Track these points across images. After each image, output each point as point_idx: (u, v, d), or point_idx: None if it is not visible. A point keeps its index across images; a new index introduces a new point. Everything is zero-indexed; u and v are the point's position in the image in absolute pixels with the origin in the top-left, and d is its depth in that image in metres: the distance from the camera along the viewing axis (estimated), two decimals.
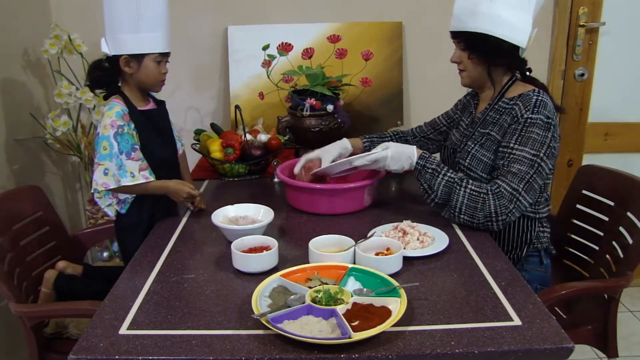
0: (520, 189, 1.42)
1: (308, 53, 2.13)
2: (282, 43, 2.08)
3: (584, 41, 2.46)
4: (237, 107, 2.03)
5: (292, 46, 2.09)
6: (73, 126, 2.22)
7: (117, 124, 1.51)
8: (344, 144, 1.78)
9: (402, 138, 1.91)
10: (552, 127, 1.44)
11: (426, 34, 2.43)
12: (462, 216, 1.47)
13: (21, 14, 2.16)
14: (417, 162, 1.51)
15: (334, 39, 2.12)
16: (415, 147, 1.54)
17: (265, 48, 2.07)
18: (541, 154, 1.43)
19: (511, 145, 1.45)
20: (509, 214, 1.43)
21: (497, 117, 1.54)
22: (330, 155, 1.70)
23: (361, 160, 1.54)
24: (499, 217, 1.43)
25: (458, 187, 1.46)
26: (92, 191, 1.57)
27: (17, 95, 2.14)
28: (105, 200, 1.61)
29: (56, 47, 2.12)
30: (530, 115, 1.44)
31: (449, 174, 1.48)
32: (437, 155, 1.53)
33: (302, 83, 2.14)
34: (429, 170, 1.49)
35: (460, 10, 1.50)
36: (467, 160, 1.56)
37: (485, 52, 1.51)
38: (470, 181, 1.47)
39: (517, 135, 1.45)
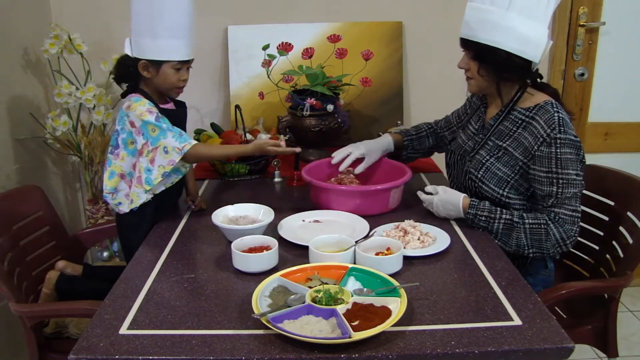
0: (578, 209, 1.43)
1: (308, 53, 2.13)
2: (282, 43, 2.09)
3: (584, 41, 2.46)
4: (237, 107, 2.03)
5: (292, 46, 2.09)
6: (73, 126, 2.22)
7: (154, 111, 1.50)
8: (389, 145, 1.84)
9: (435, 132, 1.91)
10: (580, 143, 1.43)
11: (426, 34, 2.43)
12: (530, 250, 1.45)
13: (21, 14, 2.16)
14: (467, 212, 1.49)
15: (334, 38, 2.12)
16: (462, 195, 1.52)
17: (265, 48, 2.07)
18: (579, 171, 1.43)
19: (553, 169, 1.41)
20: (575, 234, 1.43)
21: (514, 129, 1.50)
22: (373, 156, 1.78)
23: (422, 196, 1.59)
24: (567, 240, 1.42)
25: (517, 227, 1.44)
26: (160, 175, 1.50)
27: (17, 95, 2.14)
28: (137, 199, 1.56)
29: (56, 47, 2.12)
30: (558, 136, 1.40)
31: (504, 216, 1.45)
32: (487, 202, 1.50)
33: (302, 83, 2.14)
34: (483, 218, 1.47)
35: (472, 18, 1.44)
36: (481, 172, 1.53)
37: (494, 65, 1.46)
38: (525, 215, 1.44)
39: (554, 159, 1.41)
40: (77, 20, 2.30)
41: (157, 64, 1.52)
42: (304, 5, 2.40)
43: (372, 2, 2.41)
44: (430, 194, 1.57)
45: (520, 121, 1.50)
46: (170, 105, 1.64)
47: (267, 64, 2.11)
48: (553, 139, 1.41)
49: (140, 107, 1.50)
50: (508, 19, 1.39)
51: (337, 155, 1.77)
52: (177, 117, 1.64)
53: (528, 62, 1.45)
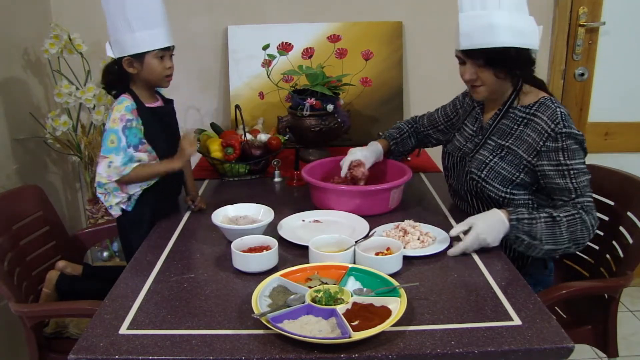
0: (592, 195, 1.43)
1: (308, 53, 2.13)
2: (282, 43, 2.09)
3: (584, 41, 2.46)
4: (237, 106, 2.03)
5: (292, 46, 2.09)
6: (73, 126, 2.22)
7: (126, 118, 1.53)
8: (378, 151, 1.79)
9: (416, 130, 1.89)
10: (582, 137, 1.44)
11: (426, 34, 2.43)
12: (570, 245, 1.40)
13: (21, 14, 2.16)
14: (510, 219, 1.37)
15: (334, 38, 2.12)
16: (494, 209, 1.41)
17: (265, 48, 2.07)
18: (585, 161, 1.44)
19: (562, 162, 1.42)
20: (598, 220, 1.43)
21: (515, 127, 1.51)
22: (369, 161, 1.74)
23: (456, 250, 1.38)
24: (595, 227, 1.42)
25: (557, 220, 1.39)
26: (96, 185, 1.58)
27: (17, 95, 2.14)
28: (114, 197, 1.59)
29: (56, 47, 2.12)
30: (563, 130, 1.41)
31: (543, 215, 1.39)
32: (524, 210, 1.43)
33: (302, 83, 2.14)
34: (525, 222, 1.38)
35: (469, 27, 1.42)
36: (484, 172, 1.52)
37: (507, 65, 1.45)
38: (556, 210, 1.41)
39: (562, 152, 1.42)
40: (77, 20, 2.31)
41: (140, 57, 1.54)
42: (304, 5, 2.40)
43: (372, 2, 2.41)
44: (462, 235, 1.41)
45: (520, 119, 1.51)
46: (159, 103, 1.66)
47: (267, 64, 2.11)
48: (558, 133, 1.42)
49: (116, 113, 1.54)
50: (502, 17, 1.40)
51: (343, 168, 1.73)
52: (166, 114, 1.67)
53: (529, 52, 1.46)
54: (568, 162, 1.42)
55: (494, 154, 1.53)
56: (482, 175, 1.53)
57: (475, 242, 1.37)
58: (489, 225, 1.37)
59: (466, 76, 1.50)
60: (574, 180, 1.42)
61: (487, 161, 1.54)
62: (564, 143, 1.42)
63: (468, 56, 1.47)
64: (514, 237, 1.40)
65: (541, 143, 1.44)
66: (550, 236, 1.39)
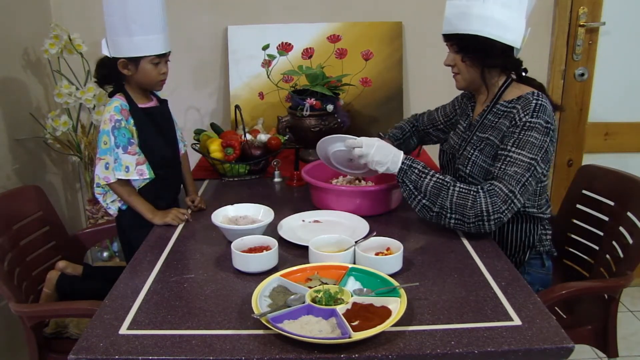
0: (516, 192, 1.39)
1: (308, 53, 2.13)
2: (282, 43, 2.09)
3: (584, 41, 2.46)
4: (237, 107, 2.03)
5: (292, 46, 2.09)
6: (73, 126, 2.22)
7: (114, 118, 1.54)
8: None
9: (417, 129, 1.91)
10: (550, 131, 1.42)
11: (426, 34, 2.43)
12: (452, 216, 1.40)
13: (21, 14, 2.16)
14: (402, 162, 1.46)
15: (334, 39, 2.12)
16: (402, 153, 1.49)
17: (265, 48, 2.07)
18: (538, 158, 1.40)
19: (508, 147, 1.42)
20: (502, 214, 1.38)
21: (496, 120, 1.51)
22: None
23: (350, 141, 1.53)
24: (492, 216, 1.37)
25: (447, 187, 1.41)
26: (95, 185, 1.60)
27: (17, 95, 2.14)
28: (109, 195, 1.63)
29: (56, 47, 2.12)
30: (529, 119, 1.41)
31: (437, 176, 1.44)
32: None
33: (302, 83, 2.14)
34: (415, 171, 1.45)
35: (452, 13, 1.48)
36: (468, 168, 1.53)
37: (477, 53, 1.48)
38: (460, 183, 1.43)
39: (514, 139, 1.42)
40: (77, 20, 2.31)
41: (136, 61, 1.54)
42: (304, 5, 2.40)
43: (372, 2, 2.41)
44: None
45: (502, 112, 1.51)
46: (153, 103, 1.66)
47: (267, 64, 2.11)
48: (524, 122, 1.42)
49: (106, 114, 1.55)
50: (485, 8, 1.42)
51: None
52: (160, 114, 1.68)
53: (510, 49, 1.46)
54: (513, 149, 1.41)
55: (474, 147, 1.55)
56: (467, 171, 1.54)
57: (369, 145, 1.48)
58: (386, 149, 1.48)
59: (445, 61, 1.57)
60: (502, 167, 1.41)
61: (469, 156, 1.55)
62: (523, 132, 1.41)
63: (447, 41, 1.53)
64: (400, 180, 1.47)
65: (506, 130, 1.46)
66: (432, 195, 1.43)
